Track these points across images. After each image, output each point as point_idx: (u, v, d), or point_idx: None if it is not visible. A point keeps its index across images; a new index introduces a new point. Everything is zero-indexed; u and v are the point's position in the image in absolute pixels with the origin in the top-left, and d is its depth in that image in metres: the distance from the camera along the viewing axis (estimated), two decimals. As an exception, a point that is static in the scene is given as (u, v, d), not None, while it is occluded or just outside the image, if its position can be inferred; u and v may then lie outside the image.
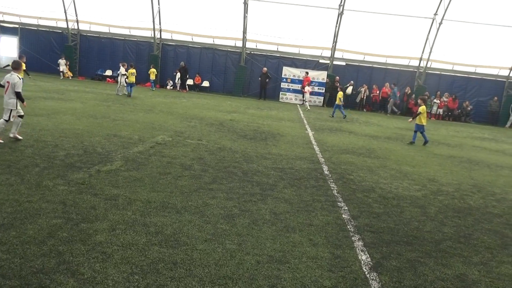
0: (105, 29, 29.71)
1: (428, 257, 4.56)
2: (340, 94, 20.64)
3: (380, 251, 4.59)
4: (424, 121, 13.37)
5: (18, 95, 7.88)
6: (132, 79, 20.42)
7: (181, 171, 6.99)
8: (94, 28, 29.86)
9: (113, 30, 29.58)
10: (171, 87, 28.56)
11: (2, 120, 7.79)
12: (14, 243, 3.76)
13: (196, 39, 29.05)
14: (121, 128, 10.58)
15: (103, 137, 9.09)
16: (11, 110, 7.82)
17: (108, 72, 29.64)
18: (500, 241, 5.32)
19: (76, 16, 29.43)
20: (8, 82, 7.86)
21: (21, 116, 8.11)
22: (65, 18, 29.29)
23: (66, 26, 29.61)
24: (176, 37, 29.31)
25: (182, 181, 6.40)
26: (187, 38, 29.15)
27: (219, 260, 3.93)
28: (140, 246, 4.02)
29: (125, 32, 29.54)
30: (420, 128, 13.50)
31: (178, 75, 27.69)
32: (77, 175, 6.10)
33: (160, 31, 28.91)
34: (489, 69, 27.82)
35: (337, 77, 27.59)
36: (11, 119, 7.85)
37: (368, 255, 4.41)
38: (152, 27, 28.51)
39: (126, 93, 20.28)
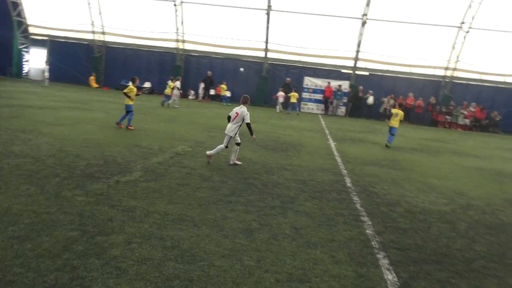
0: (130, 41, 30.36)
1: (460, 278, 4.27)
2: (295, 94, 24.15)
3: (407, 270, 4.33)
4: (396, 125, 13.70)
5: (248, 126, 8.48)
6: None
7: (200, 182, 6.89)
8: (119, 39, 30.56)
9: (138, 42, 30.18)
10: (194, 97, 28.79)
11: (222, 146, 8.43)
12: (29, 256, 3.70)
13: (219, 50, 29.29)
14: (142, 138, 10.62)
15: (123, 147, 9.12)
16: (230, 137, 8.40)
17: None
18: (537, 261, 4.95)
19: (103, 28, 30.20)
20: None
21: (238, 144, 8.59)
22: (92, 30, 30.11)
23: (92, 38, 30.41)
24: (199, 48, 29.64)
25: (201, 192, 6.29)
26: (210, 49, 29.43)
27: (236, 277, 3.76)
28: (156, 261, 3.90)
29: (149, 43, 30.08)
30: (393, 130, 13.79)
31: (202, 85, 27.92)
32: (96, 185, 6.07)
33: (184, 42, 29.29)
34: (518, 78, 26.88)
35: (361, 87, 27.23)
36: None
37: (394, 275, 4.16)
38: (175, 38, 28.94)
39: (177, 106, 21.10)
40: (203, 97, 28.41)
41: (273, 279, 3.80)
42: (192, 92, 29.14)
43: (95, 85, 29.53)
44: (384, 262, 4.45)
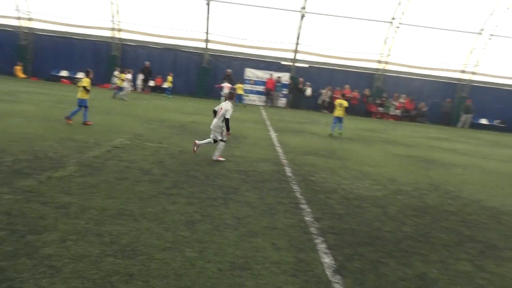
0: (60, 28, 28.48)
1: (390, 257, 4.59)
2: (241, 86, 24.41)
3: (343, 253, 4.57)
4: (342, 114, 14.81)
5: None
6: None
7: (139, 175, 6.72)
8: (49, 26, 28.56)
9: (69, 29, 28.39)
10: (132, 89, 27.76)
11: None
12: (-51, 260, 3.41)
13: (158, 40, 28.46)
14: (76, 131, 10.10)
15: (56, 141, 8.61)
16: None
17: (64, 73, 28.42)
18: (456, 238, 5.46)
19: (29, 14, 28.04)
20: None
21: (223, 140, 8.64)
22: (17, 16, 27.84)
23: (18, 24, 28.13)
24: (137, 37, 28.57)
25: (141, 186, 6.14)
26: (148, 39, 28.50)
27: (178, 269, 3.75)
28: (93, 258, 3.77)
29: (82, 31, 28.44)
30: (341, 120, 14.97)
31: (141, 76, 27.03)
32: (25, 182, 5.70)
33: (120, 31, 28.07)
34: (442, 72, 29.12)
35: (301, 79, 27.90)
36: None
37: (331, 258, 4.38)
38: (111, 26, 27.63)
39: (126, 98, 20.60)
40: (143, 89, 27.52)
41: (215, 268, 3.84)
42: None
43: (22, 75, 27.43)
44: (322, 246, 4.66)
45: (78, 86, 11.56)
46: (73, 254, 3.78)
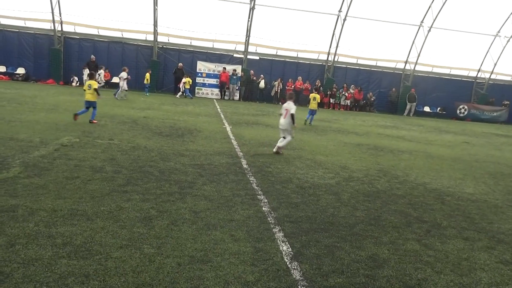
0: (-6, 21, 26.55)
1: (344, 242, 4.79)
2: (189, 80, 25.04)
3: (300, 240, 4.70)
4: (315, 107, 16.85)
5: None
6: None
7: (91, 174, 6.49)
8: (-19, 18, 26.54)
9: (4, 21, 26.52)
10: (77, 84, 26.57)
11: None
12: None
13: (103, 32, 27.33)
14: (19, 130, 9.54)
15: (-3, 141, 8.09)
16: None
17: (1, 68, 26.55)
18: (404, 220, 5.78)
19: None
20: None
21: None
22: None
23: None
24: (80, 30, 27.25)
25: (93, 185, 5.94)
26: (93, 31, 27.30)
27: (136, 266, 3.69)
28: (46, 260, 3.62)
29: (20, 23, 26.68)
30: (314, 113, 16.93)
31: (87, 70, 25.78)
32: (-35, 186, 5.33)
33: (61, 23, 26.64)
34: (388, 62, 30.42)
35: (252, 71, 28.00)
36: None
37: (288, 245, 4.49)
38: (51, 18, 26.12)
39: (125, 98, 20.44)
40: None
41: (174, 263, 3.82)
42: (76, 78, 26.83)
43: None
44: (279, 235, 4.77)
45: (85, 90, 11.92)
46: (23, 258, 3.60)
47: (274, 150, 9.68)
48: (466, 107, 30.36)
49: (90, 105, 11.79)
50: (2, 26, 26.54)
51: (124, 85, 20.92)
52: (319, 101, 17.03)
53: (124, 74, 21.07)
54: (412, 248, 4.80)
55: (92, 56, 26.20)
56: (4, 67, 26.59)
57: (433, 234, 5.32)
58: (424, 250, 4.77)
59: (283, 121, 9.65)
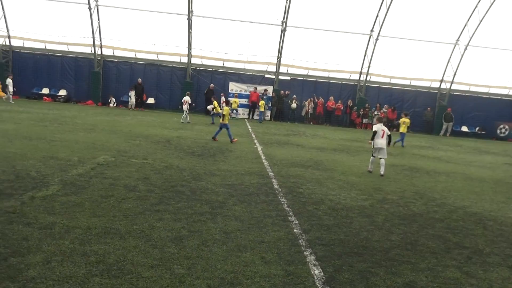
0: (40, 45, 28.18)
1: (379, 267, 4.61)
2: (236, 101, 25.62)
3: (332, 264, 4.57)
4: (405, 130, 18.10)
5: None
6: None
7: (125, 193, 6.63)
8: (28, 44, 28.23)
9: (49, 46, 28.11)
10: (114, 105, 27.55)
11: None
12: None
13: (140, 55, 28.38)
14: (59, 149, 9.93)
15: (38, 160, 8.45)
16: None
17: (45, 90, 28.02)
18: (443, 245, 5.52)
19: (8, 31, 27.70)
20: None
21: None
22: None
23: (-4, 43, 27.76)
24: (118, 53, 28.45)
25: (126, 203, 6.05)
26: (130, 54, 28.41)
27: (167, 287, 3.69)
28: (79, 278, 3.68)
29: (63, 48, 28.18)
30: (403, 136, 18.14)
31: (133, 93, 26.54)
32: (7, 203, 5.56)
33: (101, 47, 27.93)
34: (422, 81, 29.77)
35: (283, 91, 28.12)
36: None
37: (320, 269, 4.37)
38: (92, 43, 27.46)
39: (190, 121, 21.05)
40: (136, 106, 26.99)
41: (204, 285, 3.79)
42: (113, 99, 27.81)
43: (1, 94, 26.92)
44: (311, 258, 4.65)
45: (224, 114, 14.14)
46: (58, 276, 3.68)
47: (382, 173, 10.29)
48: (507, 126, 29.08)
49: (225, 126, 14.19)
50: (47, 51, 28.14)
51: (186, 108, 21.30)
52: (408, 125, 18.30)
53: (187, 98, 21.57)
54: (452, 275, 4.55)
55: (139, 79, 27.09)
56: (48, 89, 28.04)
57: (475, 261, 5.03)
58: (466, 278, 4.51)
59: (382, 141, 10.40)
